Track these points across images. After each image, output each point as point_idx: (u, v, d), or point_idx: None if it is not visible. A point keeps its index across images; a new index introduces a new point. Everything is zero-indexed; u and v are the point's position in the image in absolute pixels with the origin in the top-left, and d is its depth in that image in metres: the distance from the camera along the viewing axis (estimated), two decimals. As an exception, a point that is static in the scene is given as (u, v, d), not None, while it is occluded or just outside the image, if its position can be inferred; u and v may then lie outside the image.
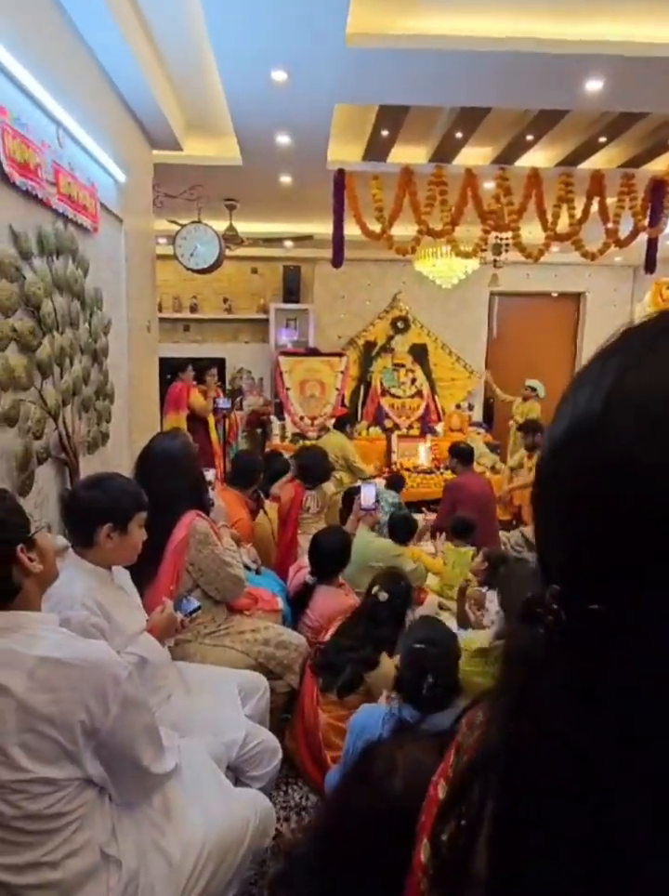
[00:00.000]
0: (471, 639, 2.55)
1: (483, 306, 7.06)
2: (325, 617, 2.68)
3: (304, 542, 3.49)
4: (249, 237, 5.58)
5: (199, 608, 1.84)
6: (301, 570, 2.98)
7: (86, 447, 2.43)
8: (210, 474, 2.57)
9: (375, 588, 2.26)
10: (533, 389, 6.23)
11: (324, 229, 5.26)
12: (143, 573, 2.03)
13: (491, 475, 5.98)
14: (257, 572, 3.04)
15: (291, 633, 2.47)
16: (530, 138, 3.62)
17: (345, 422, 5.56)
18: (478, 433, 6.55)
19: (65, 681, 1.02)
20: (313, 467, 3.56)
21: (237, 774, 1.74)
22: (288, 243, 6.24)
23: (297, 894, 1.09)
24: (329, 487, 3.76)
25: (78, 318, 2.30)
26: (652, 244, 4.27)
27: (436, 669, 1.65)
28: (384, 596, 2.22)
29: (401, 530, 3.52)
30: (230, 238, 5.33)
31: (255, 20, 2.39)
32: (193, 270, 4.20)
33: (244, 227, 5.69)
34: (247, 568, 3.00)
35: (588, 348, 7.13)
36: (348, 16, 2.37)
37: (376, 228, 4.13)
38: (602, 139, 3.63)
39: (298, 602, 2.87)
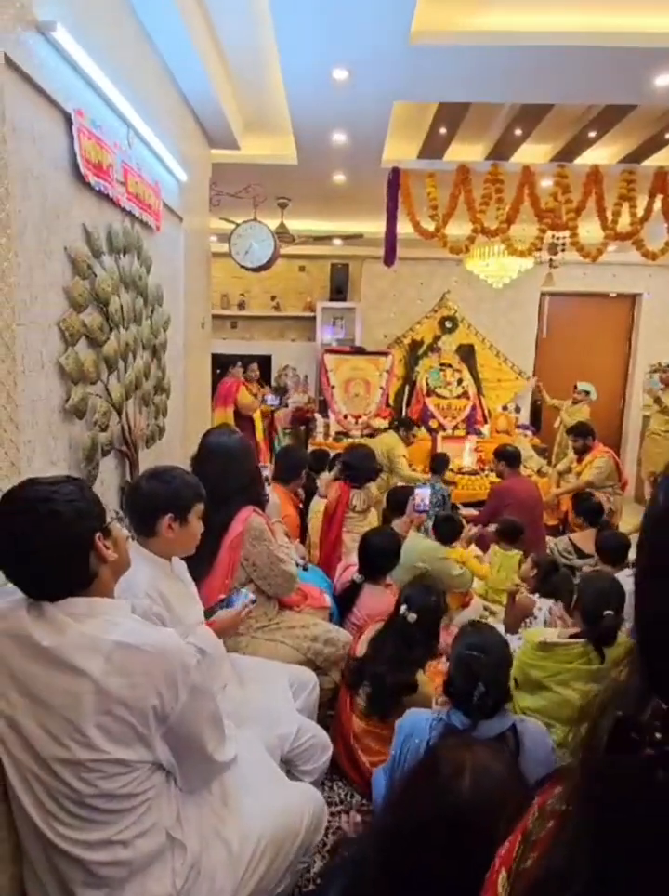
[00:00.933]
0: (534, 632, 2.49)
1: (533, 306, 6.92)
2: (371, 617, 2.68)
3: (349, 541, 3.51)
4: (300, 235, 5.62)
5: (254, 601, 1.86)
6: (349, 568, 2.99)
7: (144, 441, 2.50)
8: (266, 471, 2.60)
9: (403, 608, 2.12)
10: (586, 393, 6.08)
11: (374, 227, 5.26)
12: (199, 566, 2.07)
13: (537, 478, 5.87)
14: (305, 568, 3.06)
15: (339, 630, 2.49)
16: (592, 134, 3.53)
17: (403, 424, 5.51)
18: (525, 436, 6.44)
19: (140, 667, 1.05)
20: (360, 467, 3.56)
21: (289, 767, 1.76)
22: (337, 241, 6.26)
23: (359, 891, 1.09)
24: (374, 487, 3.75)
25: (141, 314, 2.36)
26: (717, 245, 4.12)
27: (487, 677, 1.62)
28: (412, 617, 2.09)
29: (446, 531, 3.49)
30: (282, 235, 5.38)
31: (321, 19, 2.40)
32: (248, 268, 4.25)
33: (295, 224, 5.73)
34: (296, 564, 3.03)
35: (643, 350, 6.91)
36: (414, 14, 2.36)
37: (430, 227, 4.10)
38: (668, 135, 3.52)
39: (345, 600, 2.88)
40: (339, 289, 6.88)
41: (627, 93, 2.93)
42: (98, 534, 1.13)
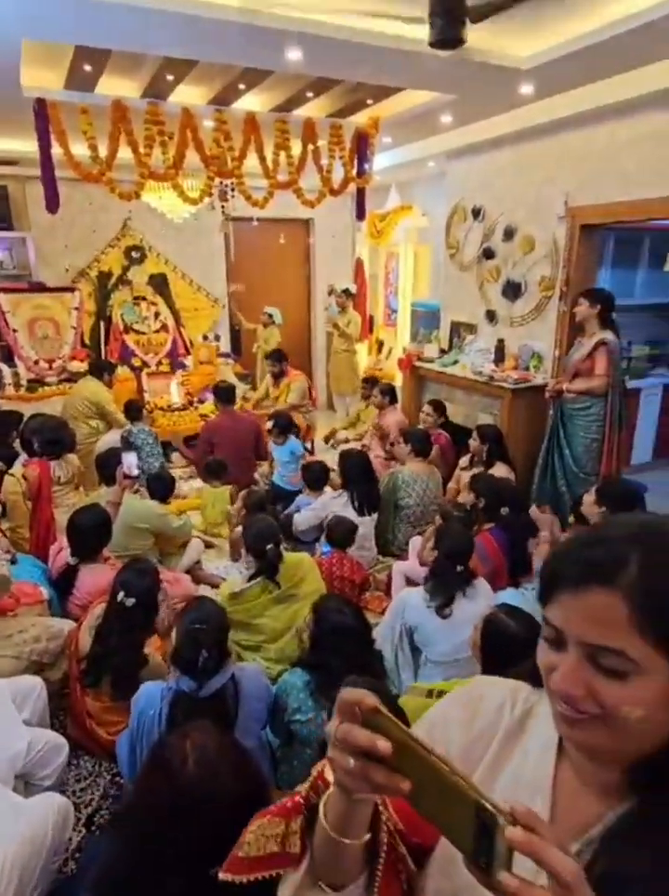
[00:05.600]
0: (225, 586, 2.93)
1: (219, 231, 6.98)
2: (92, 595, 2.76)
3: (60, 516, 3.43)
4: None
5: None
6: (61, 551, 2.97)
7: None
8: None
9: (121, 595, 2.23)
10: (271, 316, 6.55)
11: (33, 147, 4.62)
12: None
13: (241, 404, 6.28)
14: (13, 560, 2.94)
15: (59, 622, 2.54)
16: (242, 86, 3.62)
17: (102, 368, 5.33)
18: (227, 364, 6.73)
19: None
20: (55, 439, 3.43)
21: (27, 779, 1.85)
22: (-13, 161, 5.36)
23: (115, 871, 1.28)
24: (74, 456, 3.67)
25: None
26: (361, 194, 4.69)
27: (209, 643, 1.91)
28: (131, 601, 2.22)
29: (159, 489, 3.66)
30: None
31: None
32: None
33: None
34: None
35: (319, 273, 7.61)
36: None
37: (93, 169, 3.83)
38: (309, 94, 3.80)
39: (63, 583, 2.89)
40: (1, 216, 5.98)
41: (262, 60, 3.08)
42: None
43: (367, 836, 0.62)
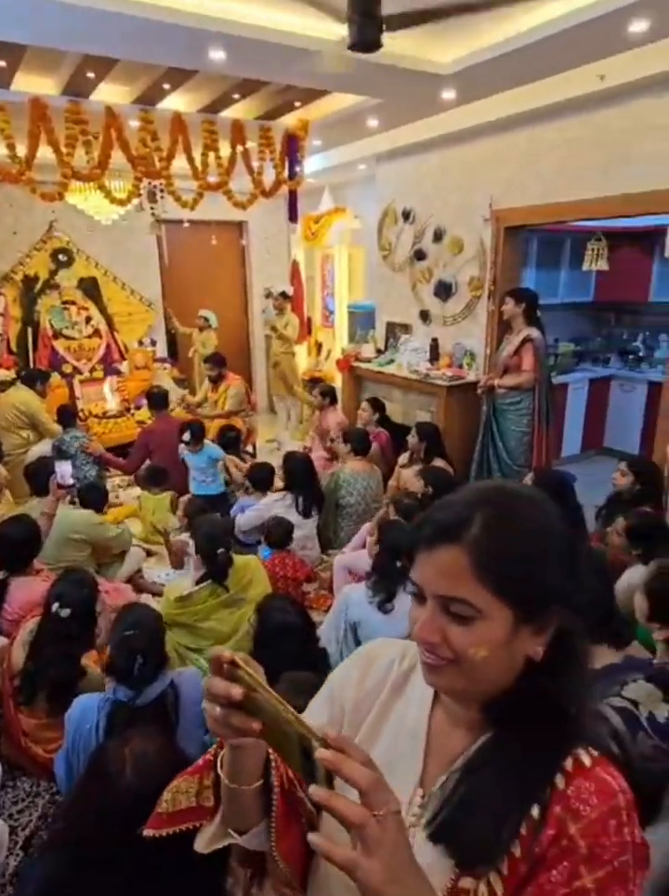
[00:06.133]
0: (171, 588, 2.86)
1: (149, 233, 6.82)
2: (25, 609, 2.65)
3: (-13, 530, 3.27)
4: None
5: None
6: (-11, 566, 2.84)
7: None
8: None
9: (55, 606, 2.10)
10: (206, 319, 6.46)
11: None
12: None
13: (180, 411, 6.17)
14: (-63, 579, 2.79)
15: (-11, 639, 2.42)
16: (167, 86, 3.57)
17: (35, 377, 5.13)
18: (164, 368, 6.60)
19: None
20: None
21: (-45, 805, 1.76)
22: None
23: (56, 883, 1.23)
24: (1, 468, 3.51)
25: None
26: (293, 196, 4.71)
27: (144, 649, 1.86)
28: (66, 612, 2.09)
29: (93, 499, 3.55)
30: None
31: None
32: None
33: None
34: None
35: (255, 276, 7.58)
36: None
37: (12, 168, 3.69)
38: (236, 96, 3.78)
39: (-8, 599, 2.76)
40: None
41: (185, 60, 3.04)
42: None
43: (259, 783, 0.68)
